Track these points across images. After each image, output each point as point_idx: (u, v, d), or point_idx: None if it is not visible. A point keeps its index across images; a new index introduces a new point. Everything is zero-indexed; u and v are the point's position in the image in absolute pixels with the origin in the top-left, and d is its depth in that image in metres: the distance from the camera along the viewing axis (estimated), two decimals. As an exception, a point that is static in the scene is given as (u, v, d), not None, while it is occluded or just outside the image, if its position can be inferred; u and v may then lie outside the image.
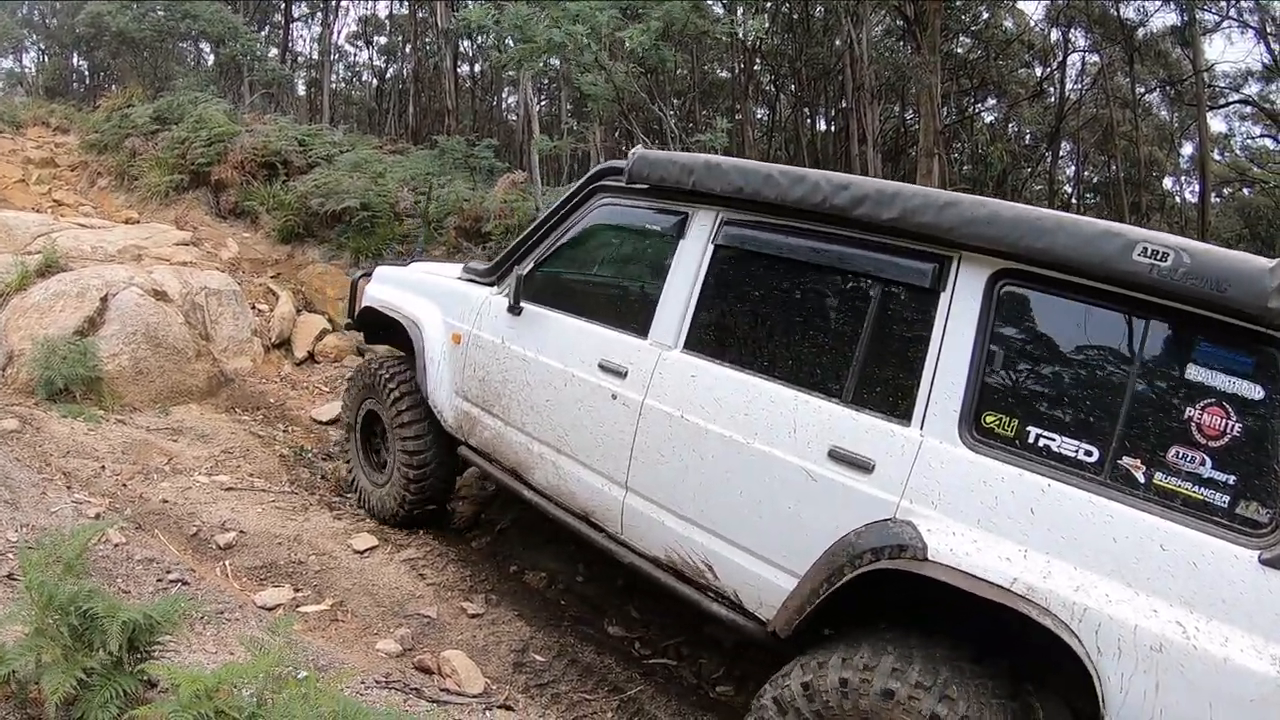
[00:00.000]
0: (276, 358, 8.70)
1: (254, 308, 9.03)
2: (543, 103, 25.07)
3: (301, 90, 27.40)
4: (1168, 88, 25.73)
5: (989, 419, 2.88)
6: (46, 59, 28.43)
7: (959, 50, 23.76)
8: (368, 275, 5.91)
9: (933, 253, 3.08)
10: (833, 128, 27.59)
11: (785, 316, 3.59)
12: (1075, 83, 27.04)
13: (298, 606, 4.37)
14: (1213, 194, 25.76)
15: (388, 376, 5.36)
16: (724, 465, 3.49)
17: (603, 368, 4.05)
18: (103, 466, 5.55)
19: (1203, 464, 2.50)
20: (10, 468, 4.97)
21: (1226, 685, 2.30)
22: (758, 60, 23.17)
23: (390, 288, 5.58)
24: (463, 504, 6.11)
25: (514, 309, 4.57)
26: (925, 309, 3.08)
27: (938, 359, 3.00)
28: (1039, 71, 27.05)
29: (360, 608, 4.47)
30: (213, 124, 12.66)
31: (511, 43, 10.36)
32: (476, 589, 4.90)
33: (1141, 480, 2.59)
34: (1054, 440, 2.74)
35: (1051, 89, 26.48)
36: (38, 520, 4.31)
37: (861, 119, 19.74)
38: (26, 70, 29.28)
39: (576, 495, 4.22)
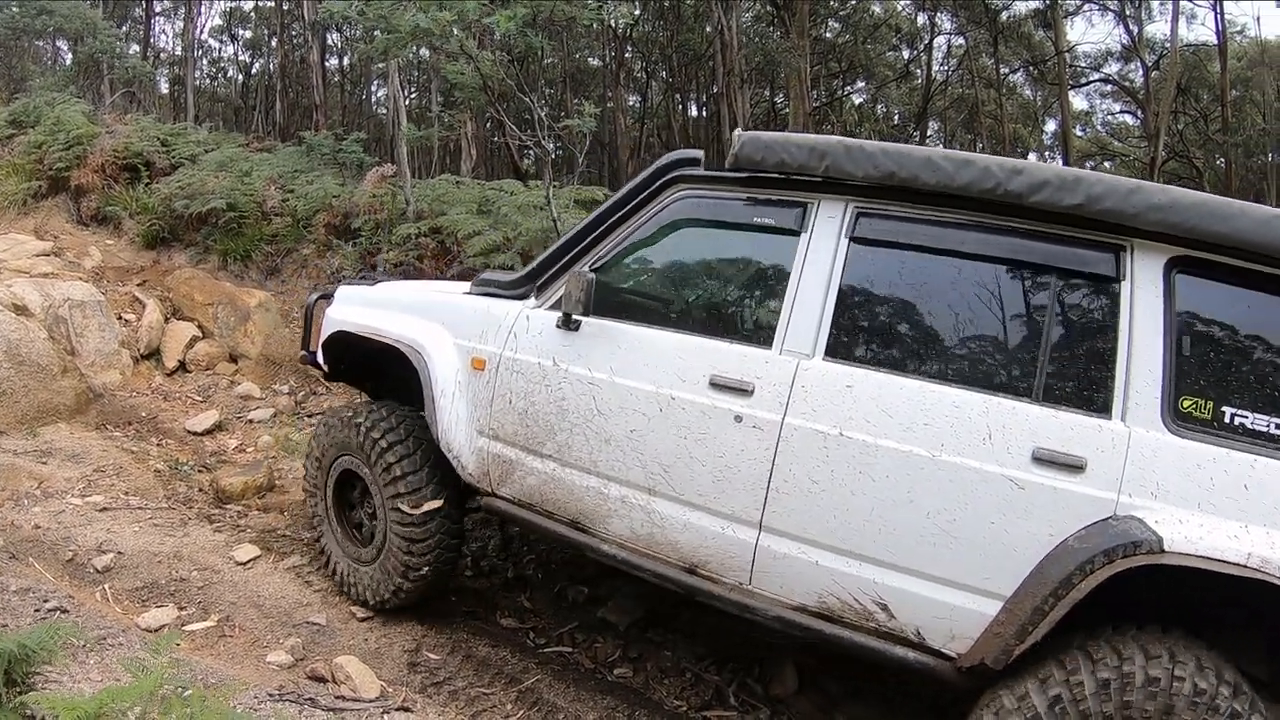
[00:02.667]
0: (146, 369, 8.46)
1: (120, 318, 8.74)
2: (412, 94, 24.75)
3: (164, 88, 26.43)
4: (1031, 68, 26.83)
5: (1185, 404, 2.90)
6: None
7: (828, 34, 24.40)
8: (327, 297, 5.09)
9: (1106, 241, 3.05)
10: (704, 113, 27.98)
11: (951, 314, 3.32)
12: (941, 64, 28.18)
13: (183, 625, 4.31)
14: (1076, 167, 27.04)
15: (372, 426, 4.43)
16: (903, 485, 3.12)
17: (716, 385, 3.48)
18: (-32, 495, 5.34)
19: None
20: None
21: None
22: (629, 47, 23.32)
23: (368, 309, 4.71)
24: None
25: (569, 323, 3.86)
26: (1108, 298, 3.05)
27: (1129, 348, 2.97)
28: (906, 54, 27.96)
29: (247, 621, 4.43)
30: (71, 126, 12.11)
31: (379, 33, 10.19)
32: (365, 592, 4.88)
33: None
34: (1248, 417, 2.84)
35: (919, 71, 27.45)
36: (-100, 555, 4.15)
37: (732, 103, 20.03)
38: None
39: (680, 544, 3.59)
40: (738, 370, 3.46)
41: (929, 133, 30.08)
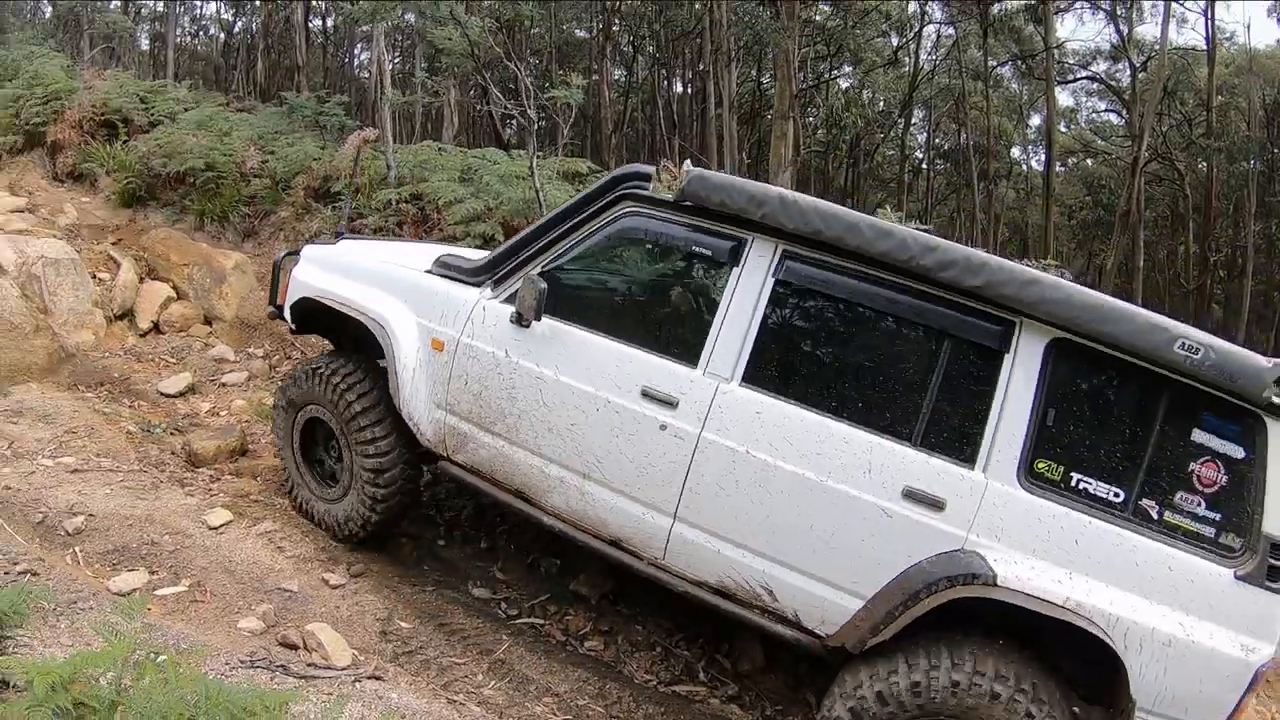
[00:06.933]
0: (120, 329, 8.32)
1: (94, 277, 8.59)
2: (396, 59, 24.49)
3: (145, 44, 26.02)
4: (1019, 62, 26.94)
5: (1040, 465, 3.44)
6: None
7: (817, 17, 24.25)
8: (294, 254, 5.32)
9: (999, 316, 3.52)
10: (689, 90, 27.90)
11: (854, 359, 3.81)
12: (930, 53, 28.14)
13: (154, 590, 4.26)
14: (1058, 163, 27.19)
15: (341, 382, 4.77)
16: (794, 500, 3.64)
17: (647, 395, 3.92)
18: (-62, 455, 5.26)
19: (1198, 505, 3.33)
20: None
21: (1210, 667, 3.22)
22: (617, 20, 23.14)
23: (335, 276, 4.92)
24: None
25: (521, 320, 4.18)
26: (991, 366, 3.54)
27: (1000, 412, 3.48)
28: (895, 41, 27.89)
29: (219, 586, 4.40)
30: (49, 81, 11.94)
31: (365, -5, 10.10)
32: (337, 559, 4.87)
33: (1155, 517, 3.35)
34: (1091, 484, 3.40)
35: (906, 58, 27.37)
36: None
37: (719, 82, 19.97)
38: None
39: (608, 522, 4.09)
40: (666, 384, 3.90)
41: (914, 120, 30.16)
